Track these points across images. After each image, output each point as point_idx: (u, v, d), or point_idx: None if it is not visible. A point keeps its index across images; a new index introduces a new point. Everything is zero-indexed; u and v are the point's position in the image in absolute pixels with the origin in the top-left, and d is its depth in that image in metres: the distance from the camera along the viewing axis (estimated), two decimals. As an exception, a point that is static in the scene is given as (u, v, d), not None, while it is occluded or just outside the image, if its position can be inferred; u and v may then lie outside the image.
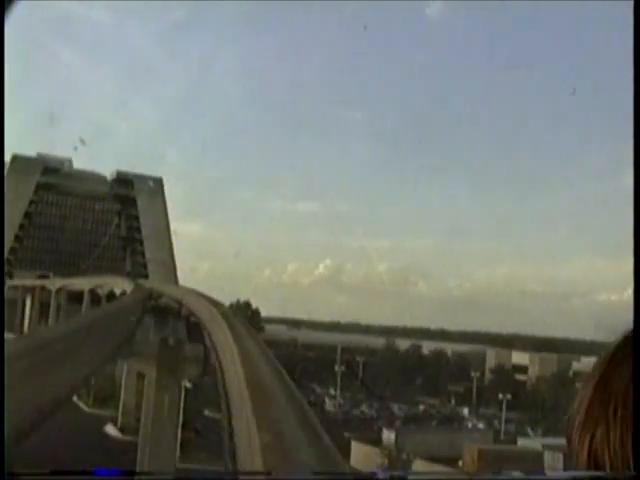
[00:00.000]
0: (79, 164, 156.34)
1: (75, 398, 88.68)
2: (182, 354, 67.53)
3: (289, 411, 23.29)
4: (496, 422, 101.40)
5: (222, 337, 37.69)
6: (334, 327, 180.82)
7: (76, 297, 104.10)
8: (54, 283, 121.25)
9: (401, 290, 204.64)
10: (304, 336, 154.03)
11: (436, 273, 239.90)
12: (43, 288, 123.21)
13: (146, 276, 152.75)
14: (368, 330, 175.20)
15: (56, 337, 29.68)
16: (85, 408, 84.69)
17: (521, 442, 74.26)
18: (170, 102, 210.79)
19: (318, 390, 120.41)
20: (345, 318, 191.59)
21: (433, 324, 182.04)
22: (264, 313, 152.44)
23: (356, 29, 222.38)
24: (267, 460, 14.66)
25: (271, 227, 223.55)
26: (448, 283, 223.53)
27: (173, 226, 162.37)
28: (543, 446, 62.01)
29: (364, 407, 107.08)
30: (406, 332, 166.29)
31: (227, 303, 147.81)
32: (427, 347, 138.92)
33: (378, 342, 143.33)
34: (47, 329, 57.69)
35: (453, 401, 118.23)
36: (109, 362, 58.17)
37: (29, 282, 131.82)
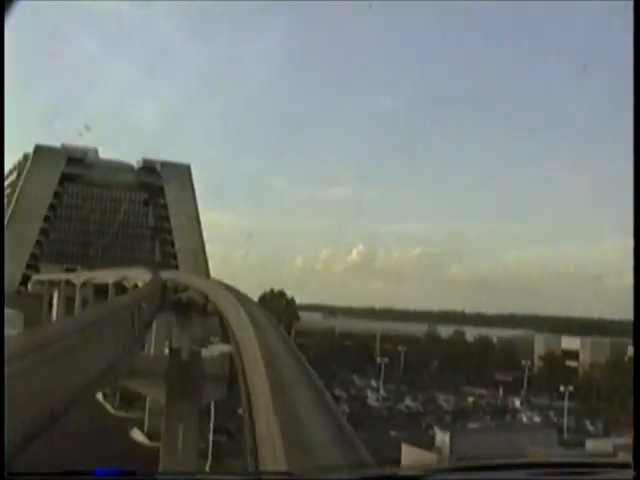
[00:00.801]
0: (107, 154, 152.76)
1: (101, 398, 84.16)
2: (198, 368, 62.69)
3: (313, 409, 21.66)
4: (551, 413, 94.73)
5: (245, 334, 34.45)
6: (369, 313, 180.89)
7: (102, 290, 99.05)
8: (79, 277, 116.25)
9: (435, 274, 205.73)
10: (341, 324, 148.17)
11: (469, 256, 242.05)
12: (68, 282, 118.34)
13: (176, 267, 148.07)
14: (403, 316, 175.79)
15: (64, 332, 27.11)
16: (111, 410, 79.69)
17: (589, 444, 67.04)
18: (198, 90, 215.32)
19: (358, 382, 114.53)
20: (379, 304, 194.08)
21: (468, 307, 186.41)
22: (298, 301, 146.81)
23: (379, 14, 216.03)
24: (290, 460, 13.61)
25: (302, 214, 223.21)
26: (481, 266, 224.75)
27: (204, 216, 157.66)
28: (614, 447, 54.98)
29: (408, 400, 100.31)
30: (441, 316, 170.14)
31: (261, 292, 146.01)
32: (471, 333, 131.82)
33: (418, 329, 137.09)
34: (53, 324, 52.20)
35: (501, 391, 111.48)
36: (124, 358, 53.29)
37: (54, 276, 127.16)
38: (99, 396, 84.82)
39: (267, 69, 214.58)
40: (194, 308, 66.32)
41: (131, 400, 77.63)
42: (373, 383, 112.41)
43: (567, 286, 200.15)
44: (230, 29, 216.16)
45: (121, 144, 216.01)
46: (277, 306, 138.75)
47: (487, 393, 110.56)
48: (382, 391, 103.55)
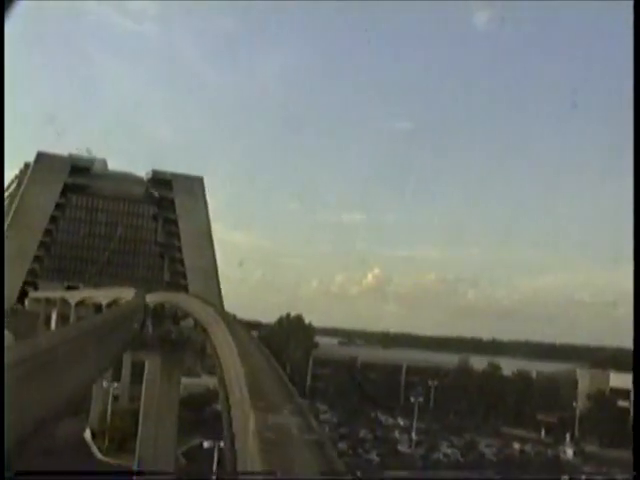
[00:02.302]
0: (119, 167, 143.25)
1: (89, 437, 72.98)
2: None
3: (288, 409, 19.30)
4: (612, 468, 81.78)
5: (221, 337, 35.27)
6: (383, 338, 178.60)
7: (98, 310, 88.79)
8: (74, 296, 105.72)
9: (450, 300, 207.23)
10: (362, 353, 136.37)
11: (485, 283, 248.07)
12: (64, 301, 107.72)
13: (186, 287, 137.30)
14: (419, 341, 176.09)
15: (46, 347, 26.35)
16: (98, 454, 67.84)
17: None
18: (216, 111, 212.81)
19: (384, 421, 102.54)
20: (394, 328, 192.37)
21: (484, 334, 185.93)
22: (313, 323, 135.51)
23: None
24: (266, 461, 12.88)
25: (318, 238, 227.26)
26: (497, 293, 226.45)
27: (218, 235, 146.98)
28: None
29: (445, 447, 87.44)
30: (457, 343, 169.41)
31: (277, 316, 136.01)
32: (506, 366, 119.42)
33: (447, 360, 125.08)
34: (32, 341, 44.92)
35: (547, 434, 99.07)
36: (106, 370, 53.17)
37: (53, 294, 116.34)
38: (87, 435, 73.77)
39: (284, 89, 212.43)
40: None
41: (122, 441, 66.01)
42: (400, 422, 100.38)
43: (582, 314, 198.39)
44: (248, 49, 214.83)
45: (135, 160, 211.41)
46: (294, 332, 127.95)
47: (532, 437, 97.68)
48: (413, 434, 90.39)
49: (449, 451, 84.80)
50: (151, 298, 66.77)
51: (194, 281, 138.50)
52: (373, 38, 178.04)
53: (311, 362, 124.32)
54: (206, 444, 60.71)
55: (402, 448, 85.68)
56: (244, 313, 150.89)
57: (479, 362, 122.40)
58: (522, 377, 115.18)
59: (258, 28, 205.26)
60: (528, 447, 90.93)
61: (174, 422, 58.23)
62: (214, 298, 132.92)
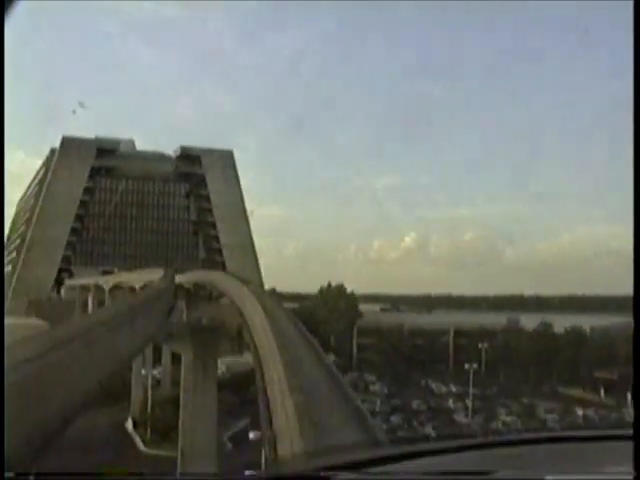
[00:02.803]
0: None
1: (131, 428, 70.24)
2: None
3: (322, 379, 21.17)
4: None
5: (254, 313, 34.21)
6: (426, 301, 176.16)
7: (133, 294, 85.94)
8: (107, 281, 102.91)
9: (488, 258, 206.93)
10: (408, 319, 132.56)
11: (522, 239, 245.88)
12: (99, 287, 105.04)
13: (222, 263, 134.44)
14: (461, 302, 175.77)
15: (74, 333, 25.58)
16: (141, 446, 65.01)
17: None
18: (247, 88, 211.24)
19: (436, 389, 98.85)
20: (435, 290, 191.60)
21: (525, 290, 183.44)
22: (354, 291, 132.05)
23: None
24: (306, 441, 13.11)
25: (354, 204, 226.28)
26: (535, 248, 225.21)
27: (252, 210, 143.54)
28: None
29: (504, 414, 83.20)
30: (499, 301, 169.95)
31: (318, 286, 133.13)
32: (557, 323, 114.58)
33: (495, 320, 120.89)
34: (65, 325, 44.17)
35: (609, 394, 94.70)
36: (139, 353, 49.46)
37: (88, 280, 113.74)
38: (129, 425, 71.15)
39: (310, 61, 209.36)
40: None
41: (167, 431, 63.03)
42: (453, 389, 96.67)
43: (621, 264, 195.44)
44: (275, 27, 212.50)
45: (163, 141, 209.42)
46: (335, 302, 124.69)
47: (592, 399, 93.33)
48: (469, 401, 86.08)
49: (508, 419, 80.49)
50: (183, 278, 63.67)
51: (231, 257, 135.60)
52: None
53: (355, 332, 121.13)
54: (252, 435, 58.00)
55: (458, 418, 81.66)
56: (284, 285, 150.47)
57: (527, 320, 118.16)
58: (574, 333, 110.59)
59: (282, 5, 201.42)
60: (591, 411, 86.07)
61: (214, 410, 55.15)
62: (252, 273, 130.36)
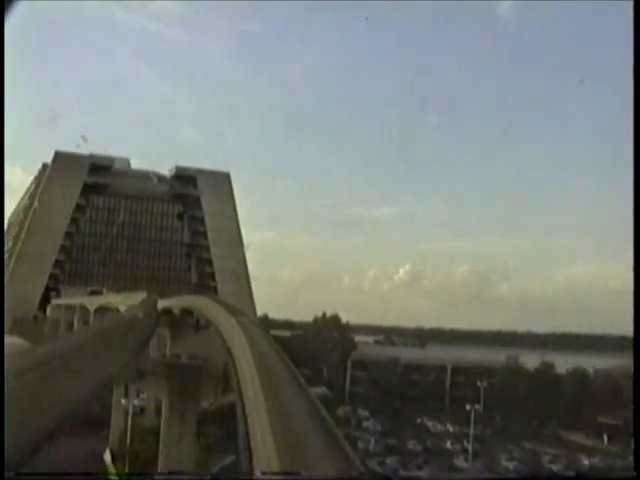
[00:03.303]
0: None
1: (109, 459, 65.99)
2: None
3: (302, 408, 21.12)
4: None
5: (239, 345, 32.56)
6: (418, 333, 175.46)
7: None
8: (93, 302, 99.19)
9: (483, 293, 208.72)
10: (403, 353, 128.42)
11: (517, 274, 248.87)
12: (83, 307, 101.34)
13: (215, 288, 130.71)
14: (453, 336, 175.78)
15: (57, 352, 26.46)
16: (116, 481, 60.63)
17: None
18: (244, 111, 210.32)
19: (432, 427, 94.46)
20: (428, 323, 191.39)
21: (519, 327, 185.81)
22: (347, 321, 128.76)
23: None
24: (283, 462, 13.42)
25: (349, 233, 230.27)
26: (529, 284, 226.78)
27: (247, 238, 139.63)
28: None
29: (504, 459, 78.42)
30: (492, 337, 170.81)
31: (310, 314, 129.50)
32: (559, 363, 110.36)
33: (494, 358, 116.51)
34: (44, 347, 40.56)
35: (606, 438, 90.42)
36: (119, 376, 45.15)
37: (74, 300, 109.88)
38: (107, 457, 66.80)
39: (311, 90, 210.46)
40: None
41: (144, 466, 58.64)
42: (450, 428, 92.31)
43: (617, 303, 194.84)
44: (276, 51, 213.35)
45: (159, 160, 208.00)
46: (330, 332, 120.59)
47: (598, 446, 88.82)
48: (468, 444, 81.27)
49: (510, 465, 75.80)
50: (169, 302, 59.71)
51: (224, 282, 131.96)
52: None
53: (349, 364, 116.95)
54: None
55: (458, 462, 77.07)
56: (276, 312, 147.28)
57: (526, 358, 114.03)
58: (577, 374, 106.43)
59: (282, 28, 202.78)
60: (596, 460, 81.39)
61: (192, 453, 52.61)
62: (245, 299, 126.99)
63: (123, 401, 71.85)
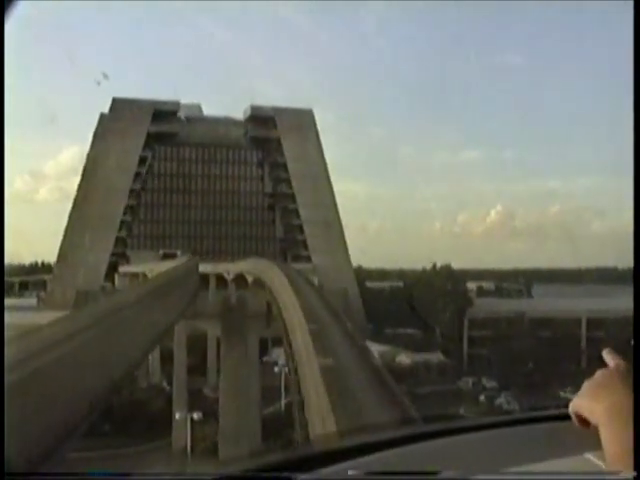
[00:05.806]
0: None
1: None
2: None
3: (354, 361, 22.80)
4: None
5: (285, 294, 36.82)
6: (513, 274, 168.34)
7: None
8: (152, 269, 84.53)
9: (576, 231, 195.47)
10: (525, 305, 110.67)
11: (610, 210, 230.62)
12: (145, 275, 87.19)
13: (304, 242, 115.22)
14: (551, 276, 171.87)
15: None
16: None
17: None
18: (325, 66, 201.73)
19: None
20: (523, 264, 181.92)
21: (619, 263, 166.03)
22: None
23: None
24: (339, 422, 14.22)
25: (437, 179, 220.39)
26: (623, 219, 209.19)
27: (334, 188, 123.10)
28: None
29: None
30: (598, 274, 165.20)
31: (405, 264, 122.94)
32: None
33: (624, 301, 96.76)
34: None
35: None
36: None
37: (144, 267, 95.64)
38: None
39: (388, 38, 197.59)
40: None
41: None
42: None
43: None
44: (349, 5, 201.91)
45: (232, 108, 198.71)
46: (442, 284, 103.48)
47: None
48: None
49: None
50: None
51: (313, 235, 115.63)
52: None
53: (466, 322, 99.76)
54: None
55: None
56: (369, 262, 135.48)
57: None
58: None
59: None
60: None
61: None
62: (340, 254, 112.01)
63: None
